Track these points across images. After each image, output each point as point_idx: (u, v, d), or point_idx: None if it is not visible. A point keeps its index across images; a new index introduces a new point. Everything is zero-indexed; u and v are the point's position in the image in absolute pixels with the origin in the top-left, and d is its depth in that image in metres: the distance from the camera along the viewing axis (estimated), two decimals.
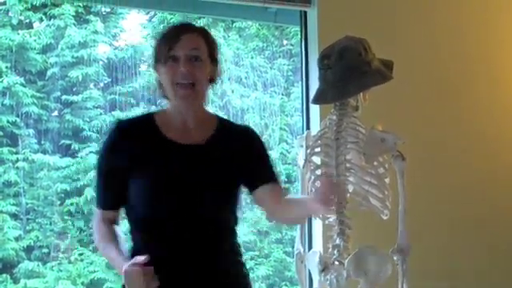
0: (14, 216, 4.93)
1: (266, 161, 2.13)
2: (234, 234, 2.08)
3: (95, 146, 5.23)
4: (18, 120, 5.07)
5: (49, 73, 5.26)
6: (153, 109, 5.33)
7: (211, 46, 2.02)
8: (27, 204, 5.03)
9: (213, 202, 1.98)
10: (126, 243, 2.01)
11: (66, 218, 5.08)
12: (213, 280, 1.95)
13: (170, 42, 1.95)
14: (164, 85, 1.99)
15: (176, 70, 1.94)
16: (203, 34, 2.02)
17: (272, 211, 2.14)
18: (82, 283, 4.92)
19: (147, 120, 2.04)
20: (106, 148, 2.02)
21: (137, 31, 5.71)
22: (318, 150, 2.44)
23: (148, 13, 5.69)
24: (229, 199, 2.04)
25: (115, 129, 2.03)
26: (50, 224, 5.04)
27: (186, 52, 1.94)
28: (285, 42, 5.53)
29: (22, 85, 5.08)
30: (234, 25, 5.67)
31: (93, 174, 5.11)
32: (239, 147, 2.05)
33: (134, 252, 1.94)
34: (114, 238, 1.96)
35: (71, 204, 5.09)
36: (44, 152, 5.13)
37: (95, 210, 2.05)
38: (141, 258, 1.78)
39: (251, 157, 2.07)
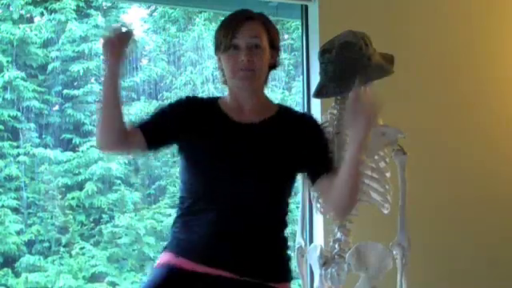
0: (16, 210, 4.94)
1: (325, 149, 2.07)
2: (281, 222, 2.03)
3: None
4: (19, 114, 5.07)
5: (50, 67, 5.26)
6: (153, 103, 5.38)
7: (271, 32, 2.02)
8: (28, 198, 5.03)
9: (260, 181, 1.95)
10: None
11: (67, 212, 5.09)
12: (251, 256, 1.94)
13: (230, 31, 1.97)
14: (225, 72, 2.01)
15: (237, 59, 1.96)
16: (263, 21, 2.02)
17: (331, 198, 1.99)
18: (83, 277, 4.93)
19: (212, 101, 2.08)
20: (169, 105, 2.06)
21: (137, 25, 5.71)
22: None
23: (149, 7, 5.69)
24: (277, 182, 2.00)
25: (183, 98, 2.07)
26: (51, 218, 5.05)
27: (247, 40, 1.96)
28: (286, 36, 5.51)
29: (23, 79, 5.08)
30: None
31: (94, 168, 5.13)
32: (296, 133, 2.03)
33: (181, 221, 1.98)
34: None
35: (72, 198, 5.10)
36: (45, 146, 5.13)
37: None
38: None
39: (310, 145, 2.03)
